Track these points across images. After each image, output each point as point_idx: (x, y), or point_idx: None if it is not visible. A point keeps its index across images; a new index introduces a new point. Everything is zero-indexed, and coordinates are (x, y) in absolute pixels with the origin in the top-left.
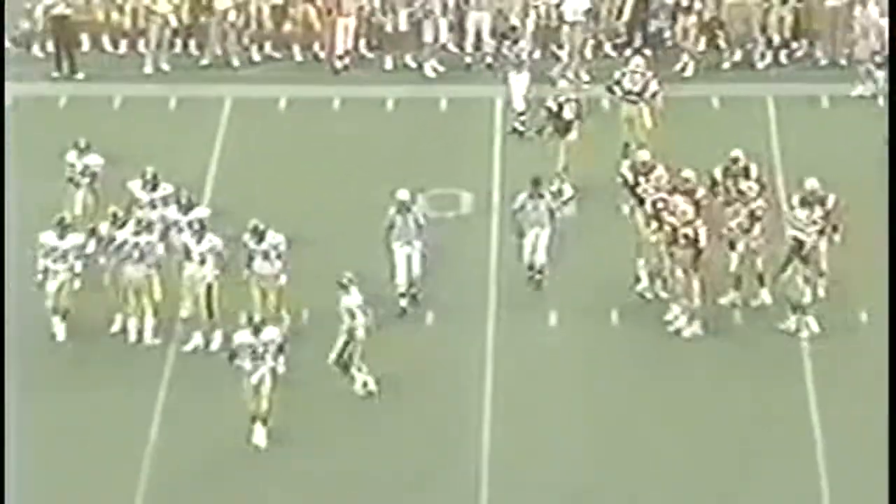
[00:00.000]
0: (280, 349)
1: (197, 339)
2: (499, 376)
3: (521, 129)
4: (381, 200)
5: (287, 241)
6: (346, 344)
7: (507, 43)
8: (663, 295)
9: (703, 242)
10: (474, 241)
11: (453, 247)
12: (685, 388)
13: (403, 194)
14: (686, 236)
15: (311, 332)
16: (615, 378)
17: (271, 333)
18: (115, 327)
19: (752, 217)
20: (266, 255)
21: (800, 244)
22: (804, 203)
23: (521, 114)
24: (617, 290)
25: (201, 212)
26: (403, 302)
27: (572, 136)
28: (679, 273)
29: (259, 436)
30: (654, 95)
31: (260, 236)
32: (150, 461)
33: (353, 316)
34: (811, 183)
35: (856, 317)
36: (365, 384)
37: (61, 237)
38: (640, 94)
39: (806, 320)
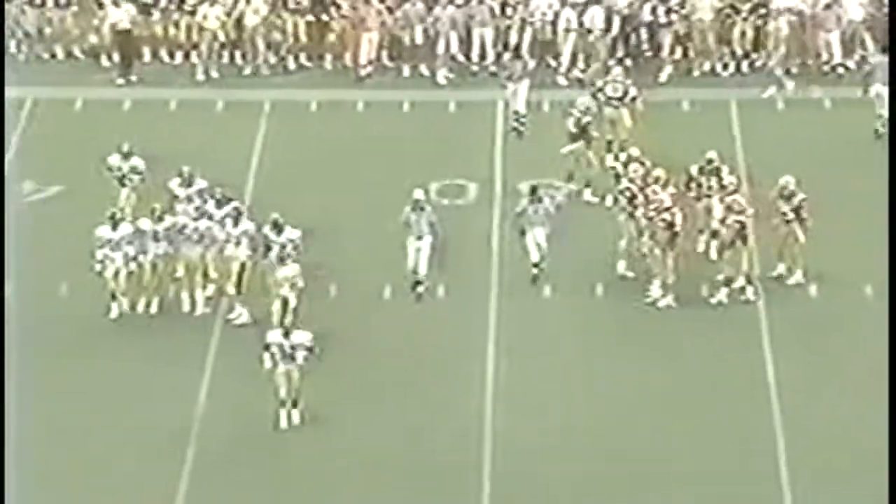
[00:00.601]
0: (309, 350)
1: (238, 310)
2: (500, 340)
3: (520, 129)
4: (399, 190)
5: (303, 233)
6: (284, 310)
7: (508, 54)
8: (630, 274)
9: (678, 226)
10: (479, 225)
11: (461, 229)
12: (659, 350)
13: (418, 194)
14: (664, 220)
15: (329, 315)
16: (600, 341)
17: (300, 338)
18: (154, 308)
19: (728, 209)
20: (283, 248)
21: (741, 225)
22: (780, 197)
23: (523, 116)
24: (601, 269)
25: (235, 205)
26: (418, 277)
27: (576, 144)
28: (657, 252)
29: (293, 414)
30: (633, 99)
31: (279, 229)
32: (198, 425)
33: (291, 286)
34: (785, 180)
35: (806, 290)
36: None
37: (114, 229)
38: (620, 99)
39: (746, 287)
